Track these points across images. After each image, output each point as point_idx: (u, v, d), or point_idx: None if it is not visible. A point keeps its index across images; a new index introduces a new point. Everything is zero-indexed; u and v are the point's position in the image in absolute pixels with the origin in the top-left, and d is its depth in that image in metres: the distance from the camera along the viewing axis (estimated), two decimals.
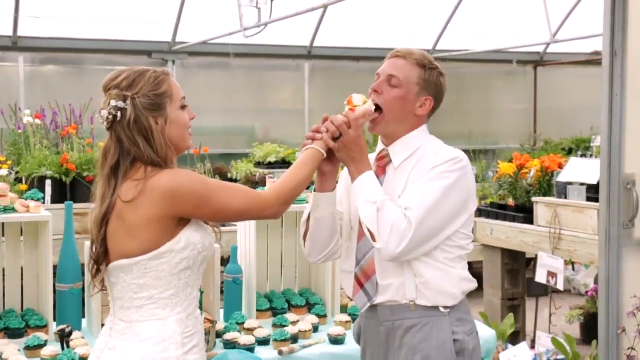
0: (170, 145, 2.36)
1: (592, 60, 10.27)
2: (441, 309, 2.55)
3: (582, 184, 5.63)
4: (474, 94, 11.01)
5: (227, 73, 9.93)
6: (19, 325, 3.34)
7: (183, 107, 2.43)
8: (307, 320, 3.55)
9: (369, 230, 2.48)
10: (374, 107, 2.57)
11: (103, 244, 2.36)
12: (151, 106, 2.34)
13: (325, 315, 3.71)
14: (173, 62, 9.51)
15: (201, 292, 3.23)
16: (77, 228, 3.72)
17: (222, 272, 3.69)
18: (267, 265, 3.86)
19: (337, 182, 2.65)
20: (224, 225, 2.95)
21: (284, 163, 8.43)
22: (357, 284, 2.63)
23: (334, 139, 2.52)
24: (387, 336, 2.59)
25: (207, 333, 3.03)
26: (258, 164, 8.48)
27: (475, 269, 5.95)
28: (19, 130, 6.36)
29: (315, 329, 3.54)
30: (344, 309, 3.81)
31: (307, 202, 3.23)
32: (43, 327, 3.36)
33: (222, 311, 3.68)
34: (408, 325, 2.55)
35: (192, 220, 2.37)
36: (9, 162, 5.99)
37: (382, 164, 2.64)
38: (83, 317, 3.57)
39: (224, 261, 4.30)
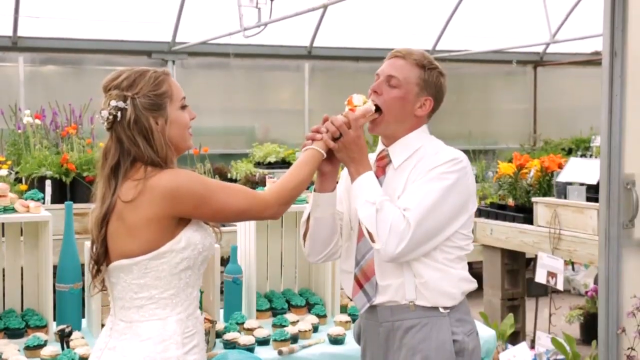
0: (171, 145, 2.37)
1: (592, 60, 10.28)
2: (441, 310, 2.55)
3: (582, 184, 5.63)
4: (474, 94, 11.02)
5: (227, 73, 9.93)
6: (19, 325, 3.34)
7: (183, 107, 2.43)
8: (307, 321, 3.55)
9: (368, 231, 2.48)
10: (374, 107, 2.57)
11: (103, 245, 2.36)
12: (151, 106, 2.34)
13: (325, 316, 3.71)
14: (173, 62, 9.51)
15: (201, 293, 3.23)
16: (77, 228, 3.72)
17: (222, 272, 3.70)
18: (267, 266, 3.86)
19: (337, 183, 2.65)
20: (224, 226, 2.95)
21: (284, 163, 8.43)
22: (356, 285, 2.63)
23: (334, 139, 2.51)
24: (387, 337, 2.59)
25: (207, 333, 3.03)
26: (258, 165, 8.48)
27: (475, 269, 5.95)
28: (19, 131, 6.36)
29: (315, 329, 3.55)
30: (344, 309, 3.81)
31: (307, 203, 3.23)
32: (43, 327, 3.36)
33: (222, 311, 3.68)
34: (408, 325, 2.55)
35: (193, 220, 2.37)
36: (9, 162, 5.99)
37: (382, 165, 2.64)
38: (83, 317, 3.57)
39: (224, 261, 4.30)
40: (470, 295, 2.67)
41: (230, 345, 3.29)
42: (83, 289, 3.50)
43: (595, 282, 6.77)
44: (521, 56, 10.90)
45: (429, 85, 2.61)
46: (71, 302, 3.44)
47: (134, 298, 2.34)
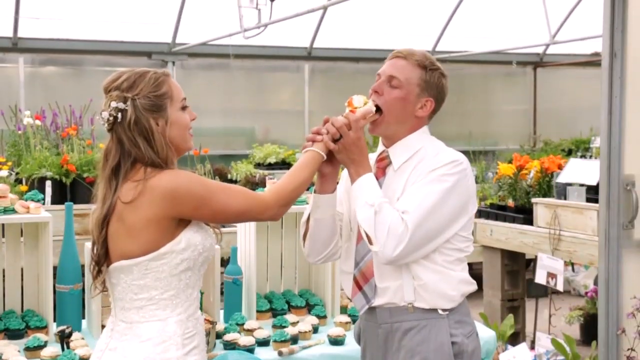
0: (171, 146, 2.37)
1: (592, 61, 10.28)
2: (440, 312, 2.54)
3: (582, 185, 5.63)
4: (474, 95, 11.02)
5: (227, 74, 9.94)
6: (19, 326, 3.34)
7: (184, 108, 2.43)
8: (307, 322, 3.55)
9: (366, 233, 2.47)
10: (374, 108, 2.57)
11: (104, 246, 2.36)
12: (152, 107, 2.34)
13: (325, 316, 3.71)
14: (173, 63, 9.52)
15: (201, 293, 3.23)
16: (77, 229, 3.72)
17: (222, 273, 3.70)
18: (267, 267, 3.86)
19: (337, 184, 2.65)
20: (224, 227, 2.95)
21: (284, 164, 8.44)
22: (355, 286, 2.63)
23: (335, 141, 2.51)
24: (386, 338, 2.59)
25: (207, 334, 3.03)
26: (258, 165, 8.49)
27: (475, 270, 5.95)
28: (20, 132, 6.37)
29: (315, 330, 3.55)
30: (344, 310, 3.81)
31: (307, 204, 3.23)
32: (43, 328, 3.36)
33: (222, 312, 3.68)
34: (406, 327, 2.54)
35: (193, 221, 2.37)
36: (10, 163, 5.99)
37: (382, 166, 2.64)
38: (83, 318, 3.57)
39: (224, 262, 4.31)
40: (470, 296, 2.67)
41: (230, 346, 3.30)
42: (83, 289, 3.50)
43: (595, 283, 6.77)
44: (521, 57, 10.91)
45: (430, 86, 2.60)
46: (71, 303, 3.44)
47: (134, 299, 2.34)
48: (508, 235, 6.18)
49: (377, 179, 2.56)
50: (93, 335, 3.40)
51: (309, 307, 3.78)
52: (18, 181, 5.81)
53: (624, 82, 3.28)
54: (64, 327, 3.23)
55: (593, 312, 6.30)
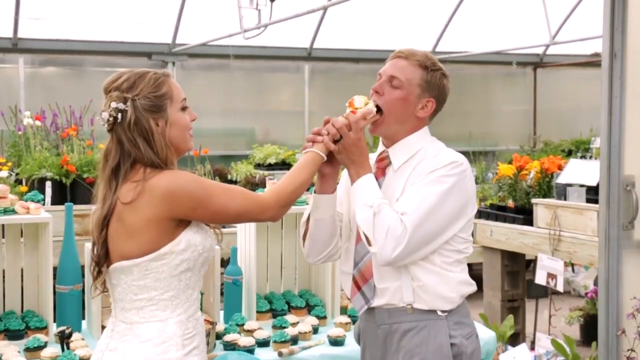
0: (171, 146, 2.37)
1: (592, 62, 10.29)
2: (439, 313, 2.53)
3: (582, 185, 5.64)
4: (474, 95, 11.02)
5: (227, 75, 9.94)
6: (19, 326, 3.34)
7: (184, 108, 2.43)
8: (307, 322, 3.55)
9: (364, 234, 2.47)
10: (375, 109, 2.56)
11: (104, 246, 2.36)
12: (152, 108, 2.34)
13: (325, 317, 3.71)
14: (173, 63, 9.52)
15: (201, 294, 3.23)
16: (77, 230, 3.72)
17: (222, 273, 3.70)
18: (267, 267, 3.86)
19: (337, 185, 2.65)
20: (224, 227, 2.95)
21: (284, 165, 8.44)
22: (355, 287, 2.63)
23: (335, 141, 2.51)
24: (385, 339, 2.58)
25: (207, 335, 3.03)
26: (258, 166, 8.49)
27: (475, 271, 5.96)
28: (20, 132, 6.36)
29: (315, 330, 3.55)
30: (344, 310, 3.81)
31: (307, 204, 3.23)
32: (43, 328, 3.36)
33: (222, 313, 3.68)
34: (405, 328, 2.54)
35: (193, 222, 2.37)
36: (10, 163, 5.99)
37: (382, 166, 2.64)
38: (83, 318, 3.57)
39: (224, 263, 4.30)
40: (470, 296, 2.67)
41: (230, 346, 3.30)
42: (83, 290, 3.50)
43: (595, 283, 6.77)
44: (521, 57, 10.91)
45: (432, 87, 2.59)
46: (71, 304, 3.44)
47: (134, 299, 2.34)
48: (508, 235, 6.18)
49: (376, 179, 2.55)
50: (93, 335, 3.40)
51: (309, 308, 3.78)
52: (18, 182, 5.81)
53: (624, 82, 3.28)
54: (64, 327, 3.23)
55: (593, 312, 6.30)
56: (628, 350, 3.31)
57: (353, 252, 2.64)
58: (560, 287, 5.18)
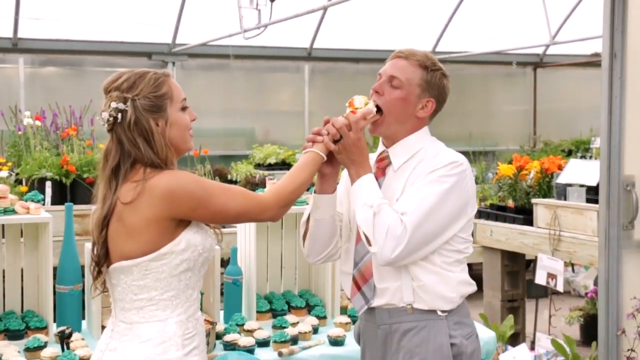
0: (171, 147, 2.37)
1: (592, 62, 10.29)
2: (439, 313, 2.53)
3: (582, 185, 5.64)
4: (474, 95, 11.03)
5: (227, 75, 9.94)
6: (19, 327, 3.34)
7: (184, 108, 2.43)
8: (307, 322, 3.55)
9: (364, 234, 2.47)
10: (375, 109, 2.56)
11: (104, 246, 2.36)
12: (152, 108, 2.34)
13: (325, 317, 3.71)
14: (173, 63, 9.52)
15: (201, 294, 3.23)
16: (77, 230, 3.72)
17: (222, 273, 3.70)
18: (267, 267, 3.86)
19: (337, 185, 2.65)
20: (224, 227, 2.95)
21: (284, 165, 8.44)
22: (354, 287, 2.63)
23: (335, 141, 2.51)
24: (385, 339, 2.58)
25: (207, 335, 3.03)
26: (258, 166, 8.50)
27: (475, 271, 5.96)
28: (20, 132, 6.36)
29: (315, 330, 3.55)
30: (344, 310, 3.81)
31: (307, 204, 3.23)
32: (43, 328, 3.36)
33: (222, 313, 3.68)
34: (405, 328, 2.54)
35: (193, 222, 2.37)
36: (10, 163, 5.99)
37: (382, 166, 2.64)
38: (83, 318, 3.57)
39: (224, 263, 4.31)
40: (470, 296, 2.66)
41: (230, 346, 3.30)
42: (83, 290, 3.50)
43: (595, 283, 6.77)
44: (521, 57, 10.91)
45: (432, 87, 2.59)
46: (71, 304, 3.44)
47: (134, 299, 2.34)
48: (508, 235, 6.18)
49: (376, 179, 2.55)
50: (93, 335, 3.40)
51: (309, 308, 3.78)
52: (18, 182, 5.81)
53: (624, 82, 3.28)
54: (64, 327, 3.23)
55: (593, 312, 6.30)
56: (628, 350, 3.31)
57: (353, 252, 2.64)
58: (560, 287, 5.18)
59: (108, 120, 2.35)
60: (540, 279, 5.29)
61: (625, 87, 3.28)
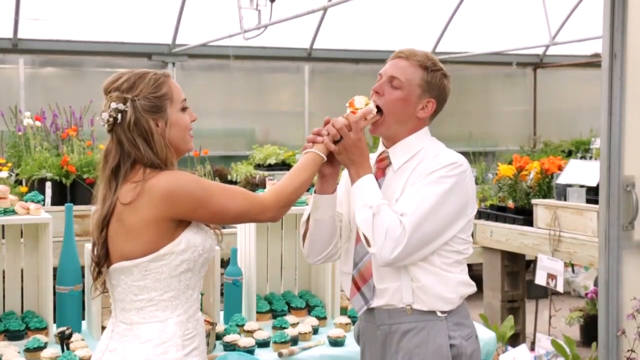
0: (171, 147, 2.37)
1: (592, 62, 10.29)
2: (438, 314, 2.53)
3: (582, 186, 5.64)
4: (474, 96, 11.03)
5: (227, 75, 9.94)
6: (19, 327, 3.34)
7: (184, 109, 2.43)
8: (307, 323, 3.55)
9: (364, 235, 2.47)
10: (375, 109, 2.56)
11: (104, 247, 2.36)
12: (151, 108, 2.34)
13: (325, 318, 3.71)
14: (173, 64, 9.52)
15: (201, 295, 3.23)
16: (77, 230, 3.72)
17: (222, 274, 3.70)
18: (267, 268, 3.86)
19: (337, 185, 2.64)
20: (224, 228, 2.95)
21: (284, 165, 8.44)
22: (354, 287, 2.62)
23: (335, 142, 2.50)
24: (384, 340, 2.58)
25: (207, 335, 3.03)
26: (258, 166, 8.50)
27: (475, 272, 5.96)
28: (20, 133, 6.36)
29: (315, 331, 3.55)
30: (344, 311, 3.81)
31: (307, 205, 3.23)
32: (43, 329, 3.36)
33: (222, 313, 3.68)
34: (405, 329, 2.53)
35: (193, 222, 2.37)
36: (10, 164, 5.99)
37: (382, 167, 2.63)
38: (83, 319, 3.57)
39: (224, 263, 4.31)
40: (470, 297, 2.66)
41: (230, 347, 3.30)
42: (83, 291, 3.50)
43: (595, 284, 6.77)
44: (521, 58, 10.91)
45: (432, 87, 2.58)
46: (71, 304, 3.44)
47: (134, 300, 2.34)
48: (508, 236, 6.18)
49: (376, 179, 2.55)
50: (93, 336, 3.40)
51: (309, 308, 3.78)
52: (18, 182, 5.81)
53: (624, 83, 3.28)
54: (64, 328, 3.23)
55: (593, 313, 6.30)
56: (628, 350, 3.31)
57: (353, 253, 2.63)
58: (560, 288, 5.18)
59: (108, 120, 2.35)
60: (540, 279, 5.29)
61: (625, 88, 3.28)
